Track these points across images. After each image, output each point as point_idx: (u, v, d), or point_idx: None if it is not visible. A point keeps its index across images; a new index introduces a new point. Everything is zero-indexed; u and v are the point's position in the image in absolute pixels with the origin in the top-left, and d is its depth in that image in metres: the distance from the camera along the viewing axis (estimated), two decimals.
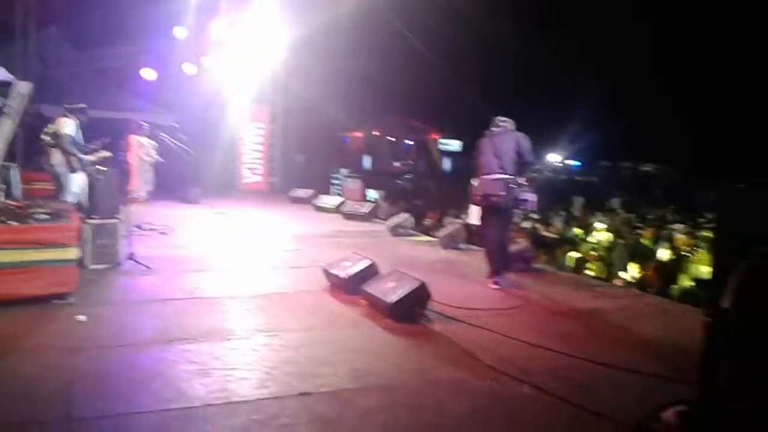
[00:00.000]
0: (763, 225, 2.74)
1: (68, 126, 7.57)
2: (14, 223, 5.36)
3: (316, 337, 4.75)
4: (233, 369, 4.01)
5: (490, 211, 6.62)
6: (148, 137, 12.94)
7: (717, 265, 3.12)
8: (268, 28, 14.59)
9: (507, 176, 6.41)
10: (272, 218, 11.61)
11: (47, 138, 8.00)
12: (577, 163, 37.23)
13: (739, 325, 2.73)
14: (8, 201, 6.64)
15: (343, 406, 3.52)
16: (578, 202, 21.60)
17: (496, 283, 6.56)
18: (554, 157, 35.49)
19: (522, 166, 6.54)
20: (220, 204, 13.28)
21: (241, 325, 5.02)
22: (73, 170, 7.82)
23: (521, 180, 6.55)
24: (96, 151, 8.07)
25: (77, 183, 8.02)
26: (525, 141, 6.54)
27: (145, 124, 12.89)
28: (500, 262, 6.62)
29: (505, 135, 6.58)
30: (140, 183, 12.81)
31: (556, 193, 22.59)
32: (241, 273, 6.94)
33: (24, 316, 4.95)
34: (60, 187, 8.00)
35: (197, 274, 6.73)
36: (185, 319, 5.06)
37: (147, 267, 6.77)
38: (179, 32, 15.41)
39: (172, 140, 11.23)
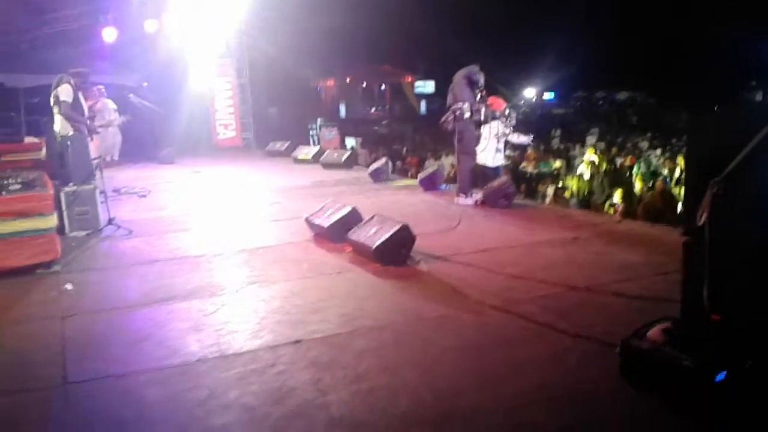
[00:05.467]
0: (729, 146, 2.79)
1: (66, 92, 7.38)
2: None
3: (305, 286, 4.79)
4: (225, 323, 4.06)
5: None
6: (111, 99, 12.64)
7: (690, 186, 3.18)
8: None
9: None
10: (250, 173, 11.51)
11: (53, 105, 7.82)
12: (551, 96, 37.10)
13: (713, 242, 2.80)
14: None
15: (336, 350, 3.59)
16: (556, 135, 21.67)
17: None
18: (530, 92, 35.35)
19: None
20: (196, 163, 13.11)
21: (229, 280, 5.04)
22: (82, 134, 7.65)
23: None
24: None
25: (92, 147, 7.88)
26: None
27: (100, 86, 12.54)
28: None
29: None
30: (109, 147, 12.58)
31: (534, 128, 22.66)
32: (224, 230, 6.92)
33: (10, 287, 4.93)
34: (62, 155, 7.70)
35: (179, 234, 6.70)
36: (171, 279, 5.07)
37: (128, 230, 6.72)
38: None
39: (140, 100, 10.97)
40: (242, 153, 15.23)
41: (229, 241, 6.26)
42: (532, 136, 7.54)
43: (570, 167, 13.98)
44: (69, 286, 4.95)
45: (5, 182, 5.58)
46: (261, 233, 6.65)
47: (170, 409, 2.96)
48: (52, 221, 5.49)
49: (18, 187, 5.51)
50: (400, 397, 2.99)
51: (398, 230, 5.21)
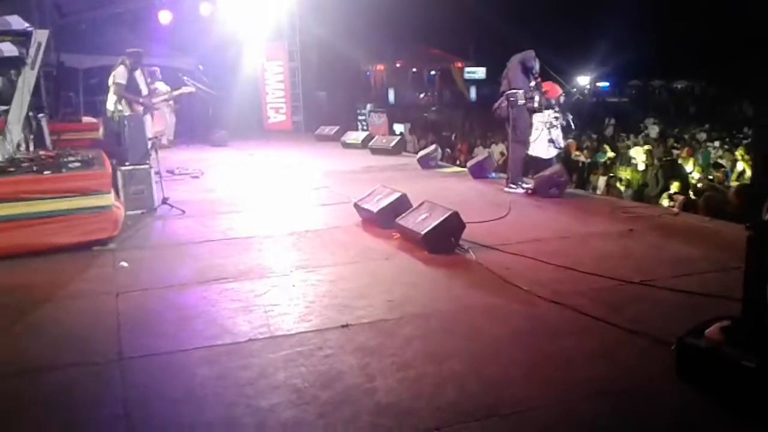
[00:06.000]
0: None
1: (120, 74, 7.59)
2: (48, 173, 5.45)
3: (352, 271, 4.81)
4: (274, 305, 4.10)
5: None
6: (166, 82, 12.88)
7: (756, 179, 3.04)
8: None
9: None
10: (300, 157, 11.61)
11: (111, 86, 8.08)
12: (606, 84, 36.18)
13: None
14: (40, 152, 6.73)
15: (383, 336, 3.59)
16: (610, 124, 21.15)
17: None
18: (583, 80, 34.55)
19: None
20: (247, 145, 13.30)
21: (278, 262, 5.10)
22: (139, 114, 7.87)
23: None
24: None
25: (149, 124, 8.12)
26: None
27: (156, 67, 12.78)
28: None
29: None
30: (163, 128, 12.84)
31: (586, 117, 22.14)
32: (274, 212, 7.00)
33: (66, 264, 5.10)
34: (119, 134, 7.87)
35: (231, 215, 6.81)
36: (223, 260, 5.16)
37: (181, 210, 6.87)
38: None
39: (195, 83, 11.16)
40: (292, 136, 15.37)
41: (279, 224, 6.33)
42: (571, 138, 7.59)
43: (623, 158, 13.64)
44: (124, 264, 5.09)
45: (65, 160, 5.76)
46: (310, 216, 6.70)
47: (220, 388, 3.01)
48: (109, 199, 5.64)
49: (77, 164, 5.69)
50: (447, 385, 2.97)
51: (448, 217, 5.17)
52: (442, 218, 5.17)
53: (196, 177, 9.37)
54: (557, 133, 8.02)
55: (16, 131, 6.42)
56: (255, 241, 5.73)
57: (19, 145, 6.57)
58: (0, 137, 6.26)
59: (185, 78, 11.36)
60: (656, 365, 3.09)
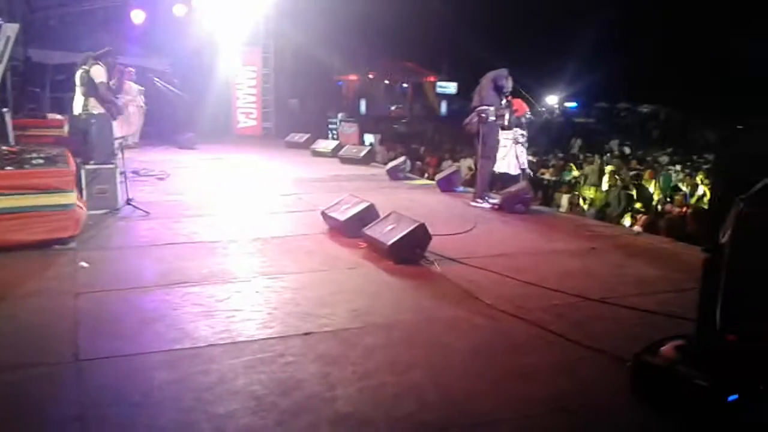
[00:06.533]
0: (758, 164, 2.75)
1: (99, 74, 7.44)
2: (10, 169, 5.32)
3: (317, 279, 4.79)
4: (237, 310, 4.06)
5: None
6: (136, 82, 12.72)
7: (715, 202, 3.14)
8: None
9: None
10: (269, 163, 11.55)
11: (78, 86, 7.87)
12: (574, 104, 36.85)
13: (734, 260, 2.76)
14: (2, 147, 6.57)
15: (345, 345, 3.58)
16: (576, 144, 21.54)
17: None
18: (552, 99, 35.15)
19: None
20: (215, 149, 13.18)
21: (242, 268, 5.06)
22: (113, 116, 7.71)
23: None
24: None
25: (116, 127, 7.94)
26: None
27: (131, 68, 12.63)
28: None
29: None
30: (131, 128, 12.65)
31: (554, 136, 22.52)
32: (240, 217, 6.95)
33: (26, 262, 4.98)
34: (86, 132, 7.67)
35: (196, 218, 6.73)
36: (186, 263, 5.09)
37: (145, 212, 6.77)
38: None
39: (165, 84, 11.04)
40: (262, 142, 15.28)
41: (245, 229, 6.28)
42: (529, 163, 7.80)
43: (588, 177, 13.88)
44: (84, 264, 4.99)
45: (28, 156, 5.64)
46: (276, 223, 6.66)
47: (178, 392, 2.97)
48: (72, 198, 5.53)
49: (41, 161, 5.57)
50: (408, 397, 2.98)
51: (414, 229, 5.20)
52: (408, 229, 5.19)
53: (162, 179, 9.25)
54: (521, 150, 8.15)
55: None
56: (220, 245, 5.68)
57: None
58: None
59: (155, 79, 11.23)
60: (615, 382, 3.14)
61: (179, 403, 2.86)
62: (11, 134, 8.19)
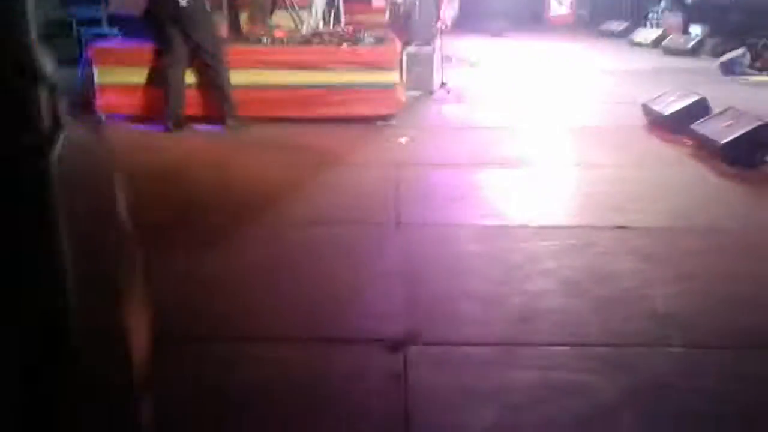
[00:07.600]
0: None
1: None
2: (346, 46, 5.84)
3: (633, 174, 4.47)
4: (547, 196, 4.01)
5: None
6: None
7: None
8: None
9: None
10: (582, 53, 10.93)
11: None
12: None
13: None
14: (340, 27, 7.22)
15: (661, 244, 3.32)
16: None
17: None
18: None
19: None
20: (526, 37, 12.85)
21: (552, 155, 4.94)
22: None
23: None
24: None
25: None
26: None
27: None
28: None
29: None
30: (453, 11, 12.88)
31: None
32: (550, 106, 6.73)
33: (352, 134, 5.48)
34: (408, 15, 7.94)
35: (506, 105, 6.71)
36: (496, 147, 5.14)
37: (457, 96, 6.94)
38: None
39: None
40: (574, 31, 14.46)
41: (555, 118, 6.08)
42: None
43: None
44: (404, 140, 5.33)
45: (361, 35, 6.11)
46: (589, 113, 6.32)
47: (490, 264, 3.05)
48: (395, 76, 5.89)
49: (371, 41, 5.99)
50: (740, 309, 2.64)
51: (757, 127, 4.47)
52: (750, 127, 4.48)
53: (473, 66, 9.35)
54: None
55: (320, 6, 6.93)
56: (527, 133, 5.60)
57: (323, 20, 7.10)
58: (306, 12, 6.81)
59: None
60: None
61: (492, 276, 2.93)
62: (343, 18, 8.95)
